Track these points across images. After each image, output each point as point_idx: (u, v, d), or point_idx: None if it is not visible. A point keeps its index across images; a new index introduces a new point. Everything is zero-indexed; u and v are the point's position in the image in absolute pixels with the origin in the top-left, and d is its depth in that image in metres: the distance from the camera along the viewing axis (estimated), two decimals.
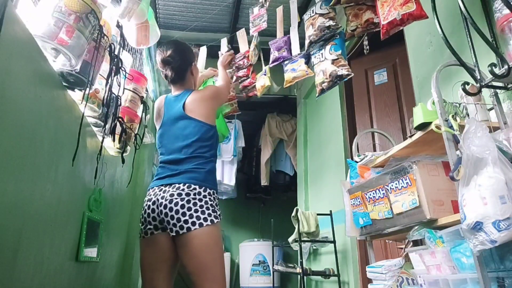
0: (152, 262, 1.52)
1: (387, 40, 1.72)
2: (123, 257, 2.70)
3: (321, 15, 1.89)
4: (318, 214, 3.16)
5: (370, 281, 1.75)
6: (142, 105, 2.23)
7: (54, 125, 1.40)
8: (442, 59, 1.84)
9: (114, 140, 1.89)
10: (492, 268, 1.16)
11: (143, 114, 2.24)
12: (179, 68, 1.73)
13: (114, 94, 1.77)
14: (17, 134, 1.14)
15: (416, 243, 1.80)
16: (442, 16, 1.52)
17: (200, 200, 1.46)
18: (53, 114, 1.39)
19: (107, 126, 1.74)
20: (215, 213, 1.47)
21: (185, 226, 1.41)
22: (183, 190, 1.46)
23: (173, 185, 1.49)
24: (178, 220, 1.42)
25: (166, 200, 1.46)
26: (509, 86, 1.40)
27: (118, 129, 1.88)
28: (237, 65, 2.49)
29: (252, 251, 4.64)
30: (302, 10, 2.13)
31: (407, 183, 1.47)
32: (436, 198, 1.40)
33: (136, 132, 2.18)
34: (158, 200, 1.49)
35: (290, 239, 3.24)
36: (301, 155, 4.30)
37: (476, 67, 1.39)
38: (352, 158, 2.06)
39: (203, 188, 1.48)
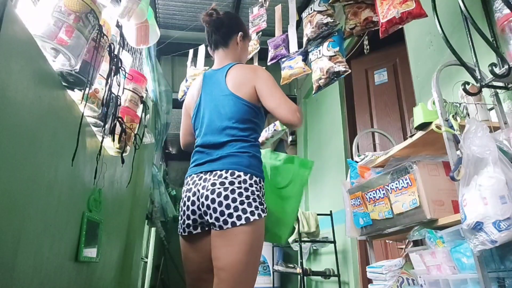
0: (195, 271, 1.36)
1: (387, 40, 1.72)
2: (123, 257, 2.70)
3: (319, 12, 1.89)
4: (318, 214, 3.16)
5: (370, 281, 1.75)
6: (142, 105, 2.23)
7: (54, 125, 1.40)
8: (442, 59, 1.84)
9: (113, 140, 1.89)
10: (492, 268, 1.16)
11: (143, 114, 2.23)
12: (221, 26, 1.52)
13: (114, 94, 1.77)
14: (16, 134, 1.14)
15: (417, 243, 1.80)
16: (442, 16, 1.52)
17: (246, 189, 1.25)
18: (53, 114, 1.39)
19: (107, 126, 1.74)
20: (262, 206, 1.27)
21: (230, 220, 1.22)
22: (226, 178, 1.26)
23: (214, 172, 1.30)
24: (222, 213, 1.23)
25: (207, 190, 1.27)
26: (509, 86, 1.40)
27: (118, 129, 1.87)
28: None
29: None
30: (301, 10, 2.12)
31: (407, 183, 1.47)
32: (437, 198, 1.40)
33: (136, 132, 2.18)
34: (199, 190, 1.30)
35: (290, 239, 3.24)
36: (301, 155, 4.30)
37: (477, 67, 1.39)
38: (352, 158, 2.06)
39: (249, 175, 1.28)
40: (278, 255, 4.43)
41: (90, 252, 1.85)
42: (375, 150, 2.83)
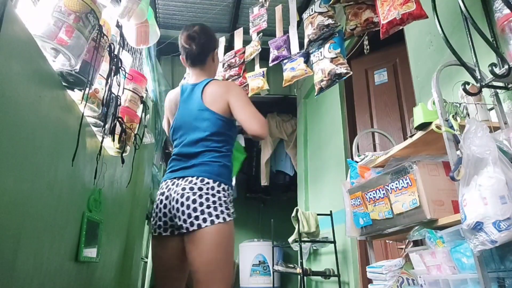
0: (160, 268, 1.47)
1: (387, 40, 1.72)
2: (123, 257, 2.70)
3: (320, 13, 1.89)
4: (318, 214, 3.16)
5: (370, 281, 1.75)
6: (142, 105, 2.23)
7: (54, 125, 1.40)
8: (442, 59, 1.84)
9: (113, 140, 1.89)
10: (492, 268, 1.16)
11: (143, 114, 2.23)
12: (203, 47, 1.61)
13: (114, 94, 1.77)
14: (17, 134, 1.14)
15: (416, 243, 1.80)
16: (442, 16, 1.52)
17: (213, 195, 1.37)
18: (53, 114, 1.39)
19: (107, 126, 1.74)
20: (228, 211, 1.39)
21: (196, 222, 1.33)
22: (195, 184, 1.38)
23: (186, 178, 1.41)
24: (189, 216, 1.34)
25: (178, 194, 1.39)
26: (509, 86, 1.40)
27: (118, 129, 1.88)
28: (228, 63, 2.49)
29: (252, 251, 4.64)
30: (302, 10, 2.13)
31: (407, 183, 1.47)
32: (437, 198, 1.40)
33: (136, 132, 2.18)
34: (170, 195, 1.42)
35: (290, 239, 3.23)
36: (301, 155, 4.30)
37: (477, 67, 1.39)
38: (352, 158, 2.06)
39: (217, 183, 1.40)
40: (278, 255, 4.43)
41: (90, 252, 1.85)
42: (375, 150, 2.83)
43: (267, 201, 5.50)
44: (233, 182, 4.49)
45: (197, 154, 1.46)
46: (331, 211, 3.02)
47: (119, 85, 1.80)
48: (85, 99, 1.51)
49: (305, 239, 3.03)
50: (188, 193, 1.37)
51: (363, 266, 2.65)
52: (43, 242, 1.35)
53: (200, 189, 1.37)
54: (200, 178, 1.39)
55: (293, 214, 3.10)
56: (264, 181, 4.77)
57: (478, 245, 1.05)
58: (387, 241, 2.36)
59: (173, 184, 1.44)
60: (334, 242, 2.94)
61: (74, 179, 1.63)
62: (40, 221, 1.32)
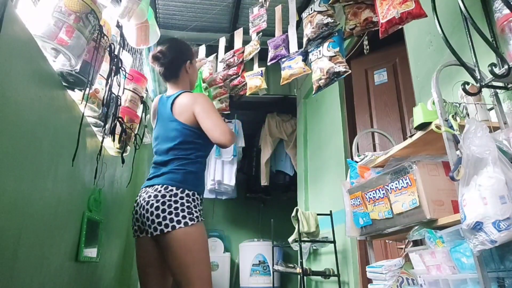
0: (141, 266, 1.55)
1: (387, 40, 1.72)
2: (123, 257, 2.70)
3: (320, 12, 1.89)
4: (318, 214, 3.15)
5: (370, 281, 1.75)
6: (142, 105, 2.23)
7: (54, 125, 1.40)
8: (442, 59, 1.84)
9: (114, 140, 1.89)
10: (492, 268, 1.16)
11: (143, 114, 2.24)
12: (169, 65, 1.69)
13: (114, 94, 1.77)
14: (17, 134, 1.14)
15: (416, 243, 1.80)
16: (442, 16, 1.52)
17: (176, 202, 1.45)
18: (53, 114, 1.39)
19: (107, 126, 1.74)
20: (191, 215, 1.45)
21: (159, 228, 1.42)
22: (159, 191, 1.47)
23: (153, 186, 1.51)
24: (153, 221, 1.43)
25: (144, 201, 1.48)
26: (509, 86, 1.40)
27: (118, 129, 1.88)
28: (227, 62, 2.49)
29: (252, 251, 4.64)
30: (301, 10, 2.13)
31: (407, 183, 1.47)
32: (436, 198, 1.40)
33: (136, 132, 2.18)
34: (140, 202, 1.51)
35: (290, 239, 3.23)
36: (301, 155, 4.30)
37: (476, 67, 1.39)
38: (352, 158, 2.06)
39: (181, 189, 1.48)
40: (278, 255, 4.43)
41: (90, 252, 1.85)
42: (375, 150, 2.83)
43: (267, 201, 5.50)
44: (233, 182, 4.51)
45: (167, 163, 1.55)
46: (331, 211, 3.03)
47: (119, 85, 1.81)
48: (85, 99, 1.52)
49: (305, 239, 3.03)
50: (152, 200, 1.46)
51: (363, 266, 2.65)
52: (43, 242, 1.35)
53: (164, 196, 1.46)
54: (164, 186, 1.48)
55: (293, 214, 3.10)
56: (264, 181, 4.77)
57: (477, 245, 1.05)
58: (387, 241, 2.36)
59: (144, 192, 1.53)
60: (334, 242, 2.94)
61: (74, 179, 1.64)
62: (40, 221, 1.32)
